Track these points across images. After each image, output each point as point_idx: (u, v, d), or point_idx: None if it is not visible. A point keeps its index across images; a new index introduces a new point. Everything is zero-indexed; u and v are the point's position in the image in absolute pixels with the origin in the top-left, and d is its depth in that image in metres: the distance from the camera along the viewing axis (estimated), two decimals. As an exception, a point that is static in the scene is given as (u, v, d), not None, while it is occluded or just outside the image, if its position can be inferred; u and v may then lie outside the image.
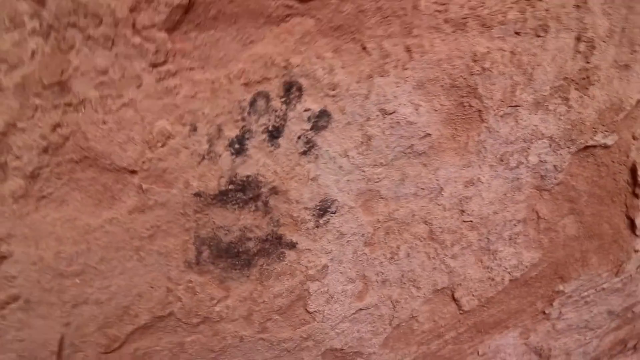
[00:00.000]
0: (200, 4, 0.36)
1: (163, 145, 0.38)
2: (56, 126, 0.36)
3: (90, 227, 0.38)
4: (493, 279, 0.51)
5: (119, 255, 0.39)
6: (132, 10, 0.34)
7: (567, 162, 0.48)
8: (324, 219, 0.43)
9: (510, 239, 0.50)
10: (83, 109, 0.36)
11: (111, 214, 0.38)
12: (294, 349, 0.47)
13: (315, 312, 0.46)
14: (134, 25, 0.34)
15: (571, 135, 0.47)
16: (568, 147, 0.47)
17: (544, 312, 0.57)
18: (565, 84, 0.45)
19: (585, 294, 0.59)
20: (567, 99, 0.45)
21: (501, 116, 0.45)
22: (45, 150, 0.36)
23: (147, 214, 0.39)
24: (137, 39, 0.35)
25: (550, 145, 0.47)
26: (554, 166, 0.48)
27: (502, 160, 0.47)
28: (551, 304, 0.56)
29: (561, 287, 0.55)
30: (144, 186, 0.38)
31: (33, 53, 0.34)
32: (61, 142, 0.36)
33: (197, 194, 0.39)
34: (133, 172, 0.38)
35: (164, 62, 0.36)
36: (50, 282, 0.39)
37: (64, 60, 0.34)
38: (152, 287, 0.41)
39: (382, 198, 0.44)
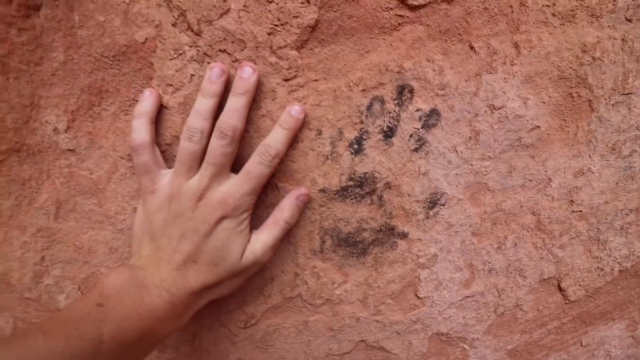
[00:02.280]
0: (324, 22, 0.40)
1: (294, 149, 0.43)
2: (209, 136, 0.42)
3: (235, 221, 0.45)
4: (602, 269, 0.51)
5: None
6: (270, 34, 0.39)
7: (688, 148, 0.46)
8: (434, 210, 0.46)
9: (621, 228, 0.49)
10: (230, 121, 0.42)
11: (252, 209, 0.45)
12: (403, 331, 0.51)
13: (425, 297, 0.49)
14: (271, 47, 0.40)
15: (693, 121, 0.45)
16: (689, 133, 0.45)
17: (655, 305, 0.55)
18: (687, 67, 0.43)
19: None
20: (688, 83, 0.44)
21: (612, 105, 0.45)
22: (201, 157, 0.43)
23: (280, 209, 0.45)
24: (273, 58, 0.40)
25: (669, 132, 0.45)
26: (673, 153, 0.46)
27: (614, 149, 0.46)
28: (664, 296, 0.54)
29: (676, 279, 0.53)
30: (279, 185, 0.44)
31: (191, 77, 0.41)
32: (213, 149, 0.43)
33: (322, 190, 0.44)
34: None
35: (295, 77, 0.41)
36: (203, 267, 0.46)
37: (215, 81, 0.41)
38: (282, 272, 0.47)
39: (489, 190, 0.46)
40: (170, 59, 0.40)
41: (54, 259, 0.45)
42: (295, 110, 0.40)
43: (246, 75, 0.38)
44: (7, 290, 0.46)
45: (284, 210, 0.42)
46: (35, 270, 0.45)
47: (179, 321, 0.39)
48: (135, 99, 0.42)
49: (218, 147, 0.38)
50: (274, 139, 0.39)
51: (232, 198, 0.38)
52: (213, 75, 0.38)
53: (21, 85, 0.40)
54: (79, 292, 0.46)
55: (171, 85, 0.41)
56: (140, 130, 0.39)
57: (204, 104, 0.38)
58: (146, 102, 0.40)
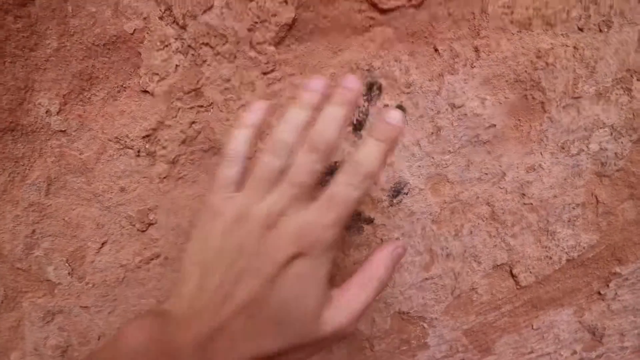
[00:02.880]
0: (301, 21, 0.44)
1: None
2: (192, 123, 0.46)
3: (214, 202, 0.49)
4: (550, 258, 0.56)
5: (235, 224, 0.50)
6: (250, 30, 0.43)
7: (628, 149, 0.51)
8: (398, 199, 0.50)
9: (569, 221, 0.54)
10: (211, 110, 0.46)
11: (230, 191, 0.49)
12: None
13: (388, 278, 0.54)
14: (250, 42, 0.43)
15: (633, 124, 0.49)
16: (630, 135, 0.50)
17: (599, 293, 0.60)
18: (628, 75, 0.47)
19: (645, 277, 0.61)
20: (629, 90, 0.48)
21: (563, 107, 0.49)
22: (183, 142, 0.46)
23: (256, 192, 0.49)
24: (252, 53, 0.44)
25: (612, 134, 0.50)
26: (615, 153, 0.51)
27: (563, 148, 0.51)
28: (607, 285, 0.59)
29: (618, 269, 0.58)
30: (255, 170, 0.48)
31: (176, 67, 0.44)
32: (195, 135, 0.46)
33: (295, 177, 0.48)
34: (247, 158, 0.47)
35: (272, 70, 0.45)
36: (184, 243, 0.50)
37: (199, 72, 0.44)
38: (257, 251, 0.51)
39: (449, 182, 0.50)
40: (157, 50, 0.43)
41: (44, 233, 0.49)
42: (393, 117, 0.31)
43: (350, 85, 0.31)
44: (-1, 261, 0.49)
45: (378, 267, 0.32)
46: (26, 242, 0.49)
47: None
48: (124, 86, 0.45)
49: (306, 163, 0.29)
50: (366, 155, 0.30)
51: (312, 230, 0.28)
52: (314, 85, 0.32)
53: (16, 69, 0.43)
54: (67, 264, 0.50)
55: (157, 74, 0.44)
56: (241, 141, 0.34)
57: (298, 115, 0.31)
58: (256, 115, 0.35)
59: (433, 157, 0.49)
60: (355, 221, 0.50)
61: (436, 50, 0.46)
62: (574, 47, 0.47)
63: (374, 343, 0.58)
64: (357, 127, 0.47)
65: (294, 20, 0.43)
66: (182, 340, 0.27)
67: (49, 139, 0.46)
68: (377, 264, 0.32)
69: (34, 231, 0.48)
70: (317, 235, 0.28)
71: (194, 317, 0.28)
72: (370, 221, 0.51)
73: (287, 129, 0.31)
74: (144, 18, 0.42)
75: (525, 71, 0.48)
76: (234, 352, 0.27)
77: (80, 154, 0.46)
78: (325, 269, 0.29)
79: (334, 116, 0.30)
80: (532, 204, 0.52)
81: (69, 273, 0.50)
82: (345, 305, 0.30)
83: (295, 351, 0.28)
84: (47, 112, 0.45)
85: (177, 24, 0.42)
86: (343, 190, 0.29)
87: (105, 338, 0.53)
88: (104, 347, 0.29)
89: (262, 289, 0.27)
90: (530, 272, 0.56)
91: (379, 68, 0.46)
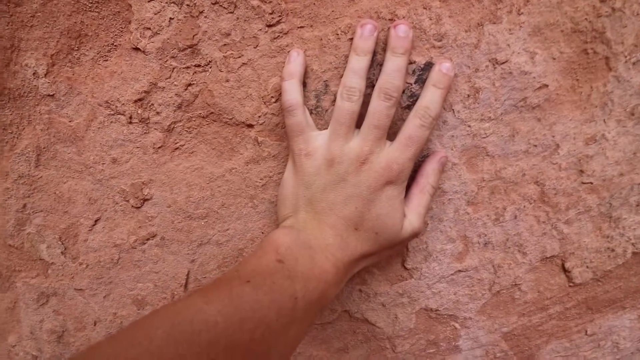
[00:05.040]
0: (311, -38, 0.37)
1: (276, 101, 0.41)
2: (188, 85, 0.41)
3: (214, 176, 0.43)
4: (613, 250, 0.46)
5: (237, 202, 0.44)
6: (252, -27, 0.37)
7: None
8: (425, 175, 0.42)
9: (637, 205, 0.44)
10: (210, 69, 0.40)
11: (231, 164, 0.43)
12: (389, 303, 0.48)
13: (413, 268, 0.46)
14: (253, -12, 0.37)
15: None
16: None
17: (674, 295, 0.50)
18: None
19: None
20: None
21: (633, 63, 0.40)
22: (179, 107, 0.41)
23: (261, 165, 0.43)
24: (255, 2, 0.38)
25: (700, 96, 0.40)
26: (703, 121, 0.41)
27: (632, 114, 0.41)
28: (685, 286, 0.49)
29: (700, 267, 0.47)
30: (259, 139, 0.42)
31: (170, 20, 0.39)
32: (192, 99, 0.41)
33: (305, 147, 0.42)
34: (250, 126, 0.41)
35: (278, 22, 0.39)
36: (181, 222, 0.45)
37: (195, 25, 0.39)
38: (263, 233, 0.45)
39: (488, 155, 0.42)
40: (149, 1, 0.38)
41: (35, 208, 0.45)
42: (446, 68, 0.38)
43: (403, 34, 0.36)
44: (-9, 237, 0.46)
45: (428, 176, 0.40)
46: (17, 217, 0.45)
47: (339, 287, 0.37)
48: (114, 43, 0.40)
49: (383, 109, 0.36)
50: (431, 100, 0.37)
51: (397, 164, 0.36)
52: (365, 32, 0.37)
53: (1, 26, 0.39)
54: (60, 242, 0.46)
55: (149, 29, 0.39)
56: (292, 90, 0.38)
57: (359, 62, 0.37)
58: (295, 63, 0.39)
59: (470, 125, 0.41)
60: (375, 201, 0.43)
61: (474, -7, 0.38)
62: (651, -13, 0.38)
63: (396, 343, 0.51)
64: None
65: (303, -40, 0.37)
66: (315, 243, 0.37)
67: (37, 104, 0.42)
68: (427, 173, 0.40)
69: (24, 205, 0.45)
70: (400, 168, 0.37)
71: (318, 230, 0.37)
72: (392, 201, 0.43)
73: (354, 76, 0.37)
74: (134, -37, 0.37)
75: (586, 19, 0.39)
76: (348, 251, 0.37)
77: (69, 121, 0.42)
78: (404, 192, 0.39)
79: (398, 66, 0.36)
80: (592, 183, 0.43)
81: (62, 252, 0.47)
82: (414, 210, 0.40)
83: (387, 250, 0.40)
84: (34, 74, 0.41)
85: (170, -32, 0.37)
86: (417, 130, 0.37)
87: (101, 324, 0.49)
88: (262, 249, 0.36)
89: (364, 209, 0.37)
90: (587, 267, 0.47)
91: (404, 17, 0.39)
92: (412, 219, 0.39)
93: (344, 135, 0.37)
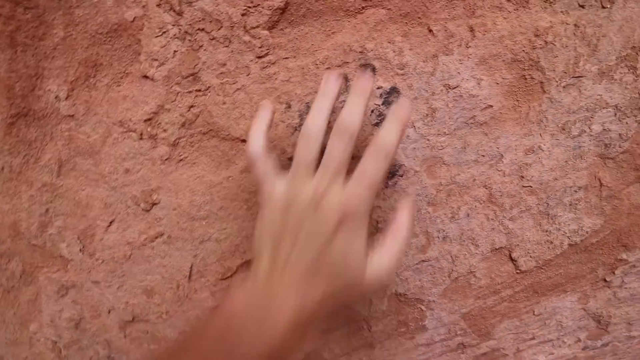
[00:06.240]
0: (293, 4, 0.44)
1: (265, 120, 0.48)
2: (190, 107, 0.48)
3: (213, 183, 0.51)
4: (551, 242, 0.55)
5: (233, 205, 0.52)
6: (243, 14, 0.44)
7: (634, 130, 0.49)
8: (393, 180, 0.50)
9: (570, 204, 0.53)
10: (209, 93, 0.47)
11: (228, 173, 0.50)
12: (364, 290, 0.56)
13: (383, 260, 0.54)
14: (245, 27, 0.45)
15: (638, 104, 0.48)
16: (635, 116, 0.48)
17: (605, 280, 0.58)
18: (633, 53, 0.46)
19: (656, 265, 0.59)
20: (634, 68, 0.46)
21: (564, 87, 0.48)
22: (183, 125, 0.48)
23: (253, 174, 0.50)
24: (247, 37, 0.45)
25: (616, 114, 0.48)
26: (619, 135, 0.49)
27: (564, 129, 0.49)
28: (613, 272, 0.58)
29: (624, 256, 0.56)
30: (251, 152, 0.49)
31: (174, 52, 0.46)
32: (194, 118, 0.48)
33: (290, 158, 0.49)
34: (244, 141, 0.49)
35: (266, 54, 0.46)
36: (185, 223, 0.52)
37: (195, 57, 0.46)
38: (255, 232, 0.53)
39: (444, 164, 0.50)
40: (156, 36, 0.45)
41: (57, 212, 0.52)
42: (402, 103, 0.37)
43: (366, 75, 0.38)
44: (17, 238, 0.53)
45: (402, 221, 0.39)
46: (41, 220, 0.52)
47: (299, 344, 0.35)
48: (126, 72, 0.47)
49: (340, 146, 0.35)
50: (387, 135, 0.36)
51: (351, 201, 0.35)
52: (331, 77, 0.38)
53: (27, 57, 0.46)
54: (79, 241, 0.53)
55: (156, 60, 0.46)
56: (254, 142, 0.39)
57: (322, 104, 0.37)
58: (261, 116, 0.41)
59: (428, 139, 0.49)
60: (351, 203, 0.51)
61: (430, 30, 0.46)
62: (575, 25, 0.46)
63: (372, 324, 0.59)
64: (351, 109, 0.48)
65: (287, 3, 0.44)
66: (270, 297, 0.34)
67: (58, 123, 0.48)
68: (400, 220, 0.39)
69: (47, 210, 0.52)
70: (355, 204, 0.35)
71: (277, 281, 0.35)
72: (365, 203, 0.51)
73: (314, 117, 0.37)
74: (143, 6, 0.44)
75: (523, 50, 0.47)
76: (307, 301, 0.34)
77: (87, 137, 0.49)
78: (364, 229, 0.36)
79: (357, 105, 0.37)
80: (531, 186, 0.52)
81: (80, 250, 0.53)
82: (380, 262, 0.37)
83: (350, 296, 0.37)
84: (56, 97, 0.47)
85: (174, 10, 0.44)
86: (372, 165, 0.35)
87: (115, 312, 0.57)
88: (214, 314, 0.36)
89: (322, 250, 0.34)
90: (531, 257, 0.56)
91: (372, 50, 0.46)
92: (379, 261, 0.37)
93: (303, 177, 0.36)
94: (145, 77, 0.46)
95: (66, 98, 0.48)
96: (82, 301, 0.57)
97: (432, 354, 0.62)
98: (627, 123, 0.49)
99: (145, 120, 0.48)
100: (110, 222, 0.53)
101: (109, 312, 0.57)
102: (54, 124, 0.49)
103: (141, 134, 0.48)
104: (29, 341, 0.60)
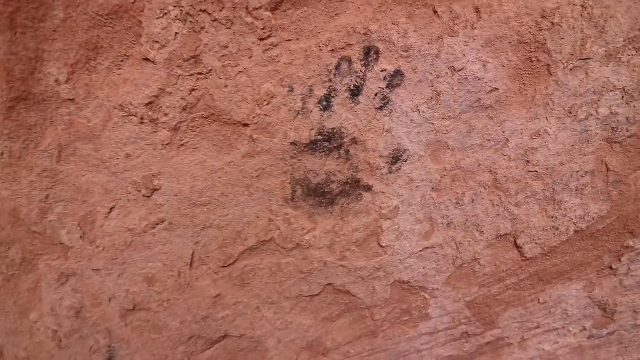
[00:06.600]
0: (296, -15, 0.44)
1: (268, 103, 0.47)
2: (192, 90, 0.47)
3: (215, 168, 0.50)
4: (557, 228, 0.54)
5: (234, 190, 0.51)
6: (246, -6, 0.43)
7: (642, 113, 0.48)
8: (396, 165, 0.50)
9: (576, 189, 0.52)
10: (210, 76, 0.47)
11: (229, 158, 0.50)
12: (367, 277, 0.56)
13: (387, 246, 0.54)
14: (247, 8, 0.44)
15: (646, 86, 0.47)
16: (643, 98, 0.48)
17: (610, 267, 0.58)
18: (641, 34, 0.45)
19: (662, 252, 0.58)
20: (642, 49, 0.46)
21: (570, 69, 0.47)
22: (184, 109, 0.48)
23: (255, 159, 0.49)
24: (249, 19, 0.44)
25: (623, 97, 0.48)
26: (626, 118, 0.49)
27: (570, 113, 0.49)
28: (619, 259, 0.57)
29: (631, 243, 0.56)
30: (254, 136, 0.48)
31: (175, 34, 0.45)
32: (195, 102, 0.47)
33: (293, 143, 0.48)
34: (245, 125, 0.48)
35: (269, 36, 0.45)
36: (186, 209, 0.52)
37: (197, 39, 0.45)
38: (257, 217, 0.52)
39: (449, 148, 0.50)
40: (157, 18, 0.45)
41: (57, 198, 0.51)
42: None
43: None
44: (16, 224, 0.52)
45: None
46: (41, 206, 0.51)
47: None
48: (127, 54, 0.46)
49: None
50: None
51: None
52: None
53: (27, 39, 0.45)
54: (79, 228, 0.52)
55: (157, 42, 0.45)
56: None
57: None
58: None
59: (433, 123, 0.49)
60: (354, 188, 0.51)
61: (435, 11, 0.45)
62: (582, 6, 0.45)
63: (374, 312, 0.58)
64: (355, 92, 0.47)
65: (290, -17, 0.43)
66: None
67: (58, 107, 0.48)
68: None
69: (47, 196, 0.51)
70: None
71: None
72: (368, 188, 0.51)
73: None
74: (144, -14, 0.43)
75: (530, 32, 0.46)
76: None
77: (87, 122, 0.48)
78: None
79: None
80: (537, 171, 0.51)
81: (80, 237, 0.53)
82: None
83: None
84: (56, 80, 0.47)
85: (175, -10, 0.43)
86: None
87: (115, 300, 0.56)
88: None
89: None
90: (536, 243, 0.55)
91: (375, 32, 0.45)
92: None
93: None
94: (146, 59, 0.46)
95: (66, 81, 0.47)
96: (82, 289, 0.56)
97: (436, 343, 0.61)
98: (634, 106, 0.48)
99: (146, 104, 0.47)
100: (111, 209, 0.52)
101: (110, 300, 0.56)
102: (54, 107, 0.48)
103: (142, 118, 0.48)
104: (29, 330, 0.60)
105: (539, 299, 0.60)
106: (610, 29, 0.45)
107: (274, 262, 0.54)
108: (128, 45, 0.46)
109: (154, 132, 0.49)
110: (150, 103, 0.47)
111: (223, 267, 0.54)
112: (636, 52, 0.46)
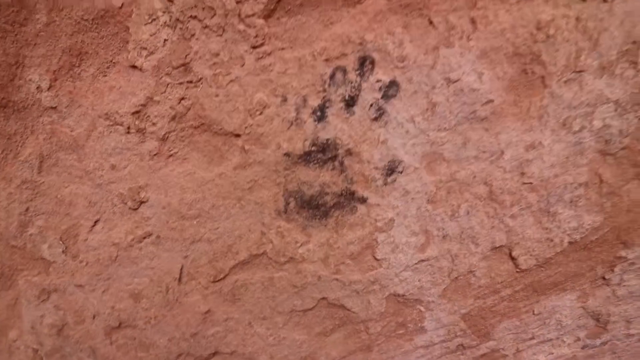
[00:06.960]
0: (291, -7, 0.43)
1: (260, 114, 0.46)
2: (181, 99, 0.45)
3: (205, 180, 0.48)
4: (552, 240, 0.54)
5: (226, 203, 0.49)
6: (238, 2, 0.42)
7: (634, 126, 0.49)
8: (392, 177, 0.49)
9: (570, 201, 0.52)
10: (201, 85, 0.45)
11: (220, 169, 0.48)
12: (362, 290, 0.54)
13: (382, 259, 0.53)
14: (239, 15, 0.43)
15: (639, 99, 0.47)
16: (635, 111, 0.48)
17: (604, 278, 0.58)
18: (634, 47, 0.45)
19: (653, 263, 0.58)
20: (635, 63, 0.46)
21: (565, 82, 0.47)
22: (173, 118, 0.46)
23: (247, 170, 0.48)
24: (241, 26, 0.43)
25: (616, 110, 0.48)
26: (620, 130, 0.49)
27: (564, 125, 0.49)
28: (612, 270, 0.57)
29: (623, 253, 0.56)
30: (246, 147, 0.47)
31: (165, 41, 0.44)
32: (185, 111, 0.46)
33: (286, 154, 0.47)
34: (237, 135, 0.47)
35: (262, 44, 0.44)
36: (175, 222, 0.50)
37: (187, 46, 0.44)
38: (249, 230, 0.50)
39: (444, 160, 0.49)
40: (145, 24, 0.43)
41: (38, 210, 0.49)
42: None
43: None
44: (-6, 238, 0.50)
45: None
46: (21, 220, 0.49)
47: None
48: (113, 61, 0.45)
49: None
50: None
51: None
52: None
53: (7, 44, 0.43)
54: (61, 242, 0.50)
55: (145, 49, 0.44)
56: None
57: None
58: None
59: (428, 135, 0.48)
60: (349, 200, 0.50)
61: (431, 22, 0.45)
62: (577, 19, 0.45)
63: (369, 326, 0.57)
64: (350, 102, 0.46)
65: (284, -9, 0.42)
66: None
67: (40, 116, 0.46)
68: None
69: (27, 209, 0.49)
70: None
71: None
72: (364, 200, 0.50)
73: None
74: (132, -9, 0.42)
75: (525, 44, 0.46)
76: None
77: (71, 131, 0.46)
78: None
79: None
80: (532, 183, 0.51)
81: (63, 251, 0.50)
82: None
83: None
84: (37, 88, 0.45)
85: (165, -4, 0.42)
86: None
87: (100, 317, 0.54)
88: None
89: None
90: (531, 255, 0.55)
91: (371, 41, 0.45)
92: None
93: None
94: (134, 67, 0.44)
95: (48, 89, 0.45)
96: (65, 306, 0.53)
97: (432, 356, 0.60)
98: (627, 119, 0.48)
99: (133, 113, 0.45)
100: (95, 222, 0.50)
101: (94, 317, 0.54)
102: (35, 116, 0.46)
103: (128, 128, 0.46)
104: (7, 349, 0.57)
105: (533, 310, 0.60)
106: (604, 42, 0.46)
107: (267, 277, 0.52)
108: (114, 51, 0.44)
109: (141, 142, 0.47)
110: (137, 112, 0.45)
111: (213, 282, 0.53)
112: (629, 65, 0.46)
